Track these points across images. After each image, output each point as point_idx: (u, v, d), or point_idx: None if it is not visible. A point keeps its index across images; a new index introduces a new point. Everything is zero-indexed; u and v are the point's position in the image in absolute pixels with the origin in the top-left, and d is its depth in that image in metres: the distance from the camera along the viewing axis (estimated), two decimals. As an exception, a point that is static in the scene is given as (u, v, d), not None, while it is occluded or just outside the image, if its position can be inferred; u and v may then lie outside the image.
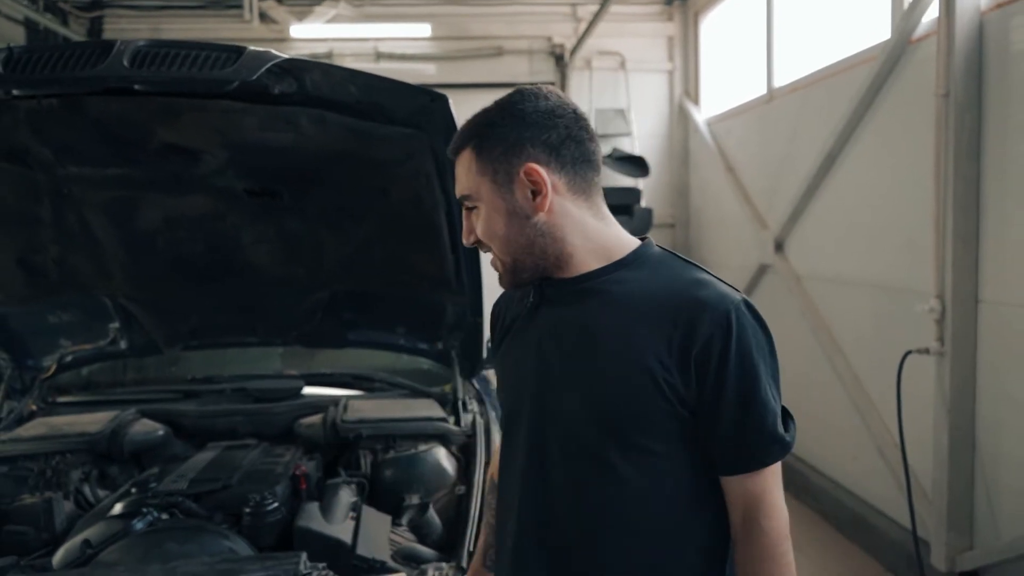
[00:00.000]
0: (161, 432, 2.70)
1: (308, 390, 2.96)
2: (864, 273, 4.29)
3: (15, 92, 1.79)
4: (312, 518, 2.12)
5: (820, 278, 4.85)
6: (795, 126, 5.11)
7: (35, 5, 6.02)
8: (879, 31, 4.16)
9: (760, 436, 1.21)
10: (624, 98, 7.32)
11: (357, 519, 2.15)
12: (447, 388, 2.87)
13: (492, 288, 1.57)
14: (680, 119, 7.41)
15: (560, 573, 1.28)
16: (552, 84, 1.34)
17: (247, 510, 2.11)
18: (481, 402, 2.79)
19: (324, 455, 2.63)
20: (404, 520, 2.30)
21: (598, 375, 1.23)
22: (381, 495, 2.40)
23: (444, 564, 1.97)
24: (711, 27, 7.07)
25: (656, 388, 1.20)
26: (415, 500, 2.36)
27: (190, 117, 1.97)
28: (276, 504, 2.15)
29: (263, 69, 1.80)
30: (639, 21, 7.34)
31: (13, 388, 2.80)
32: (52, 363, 2.83)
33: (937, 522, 3.52)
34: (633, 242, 1.32)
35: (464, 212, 1.32)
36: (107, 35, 6.85)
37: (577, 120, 1.27)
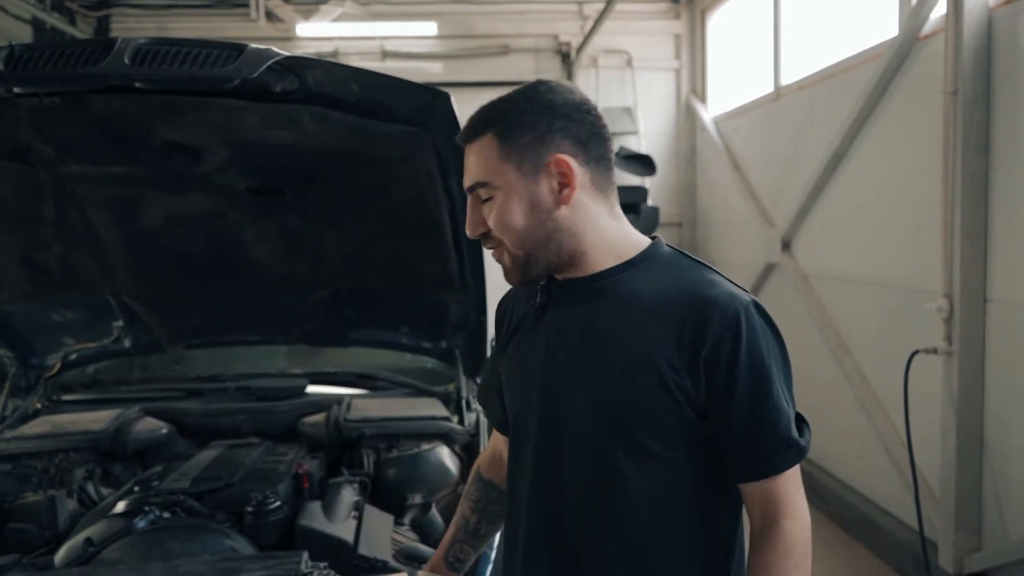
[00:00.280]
0: (164, 430, 2.70)
1: (311, 389, 2.95)
2: (871, 272, 4.26)
3: (16, 90, 1.79)
4: (314, 517, 2.11)
5: (827, 277, 4.83)
6: (802, 124, 5.09)
7: (42, 4, 6.04)
8: (886, 28, 4.13)
9: (773, 441, 1.19)
10: (631, 96, 7.30)
11: (359, 518, 2.15)
12: (451, 387, 2.86)
13: (495, 286, 1.56)
14: (687, 117, 7.38)
15: (566, 572, 1.27)
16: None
17: (249, 509, 2.11)
18: None
19: (327, 454, 2.62)
20: (406, 520, 2.30)
21: (606, 375, 1.22)
22: (384, 494, 2.39)
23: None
24: (718, 25, 7.05)
25: (664, 389, 1.19)
26: (418, 499, 2.35)
27: (192, 115, 1.96)
28: (278, 503, 2.14)
29: (264, 67, 1.79)
30: (646, 19, 7.32)
31: (17, 386, 2.80)
32: (56, 361, 2.84)
33: (945, 523, 3.49)
34: (644, 241, 1.31)
35: (471, 202, 1.26)
36: (114, 34, 6.88)
37: (599, 117, 1.27)
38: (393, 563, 1.99)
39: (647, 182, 7.15)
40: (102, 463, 2.57)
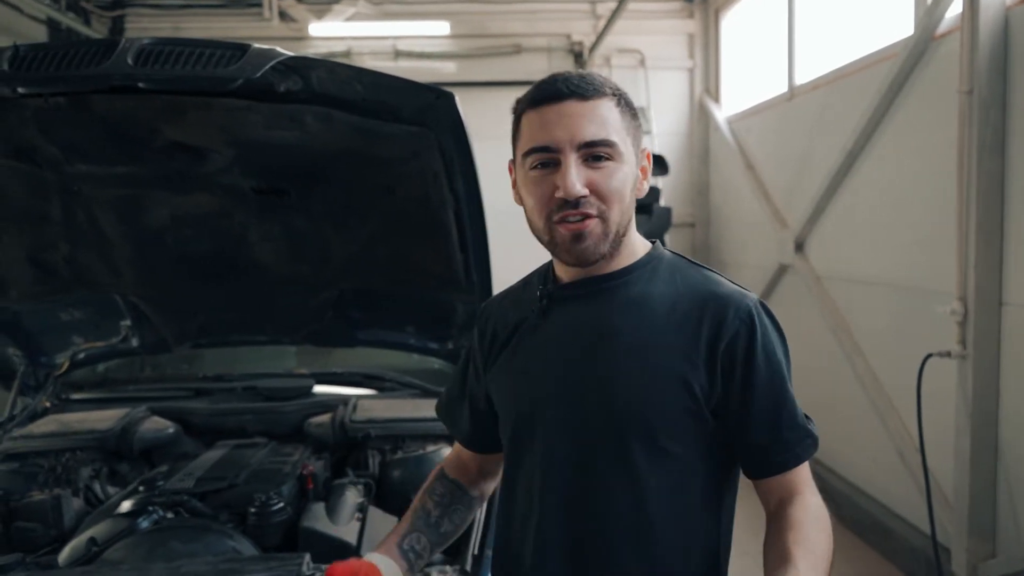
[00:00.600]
0: (171, 430, 2.70)
1: (319, 389, 2.95)
2: (885, 273, 4.21)
3: (20, 90, 1.79)
4: (317, 518, 2.11)
5: (840, 278, 4.78)
6: (816, 124, 5.04)
7: (57, 4, 6.08)
8: (902, 27, 4.08)
9: (794, 433, 1.22)
10: (644, 96, 7.27)
11: (363, 520, 2.14)
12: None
13: (502, 287, 1.53)
14: (700, 117, 7.34)
15: (581, 573, 1.26)
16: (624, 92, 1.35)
17: (252, 510, 2.11)
18: None
19: (333, 455, 2.62)
20: (411, 521, 2.28)
21: (623, 375, 1.22)
22: (388, 496, 2.38)
23: (448, 568, 1.95)
24: (732, 24, 7.00)
25: (684, 388, 1.20)
26: (422, 501, 2.34)
27: (195, 115, 1.96)
28: (282, 504, 2.14)
29: (267, 67, 1.79)
30: (659, 18, 7.28)
31: (27, 384, 2.81)
32: (65, 360, 2.85)
33: (958, 528, 3.45)
34: (647, 244, 1.33)
35: (575, 159, 1.17)
36: (129, 34, 6.92)
37: None
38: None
39: (660, 182, 7.11)
40: (109, 462, 2.58)
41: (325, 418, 2.71)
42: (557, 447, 1.26)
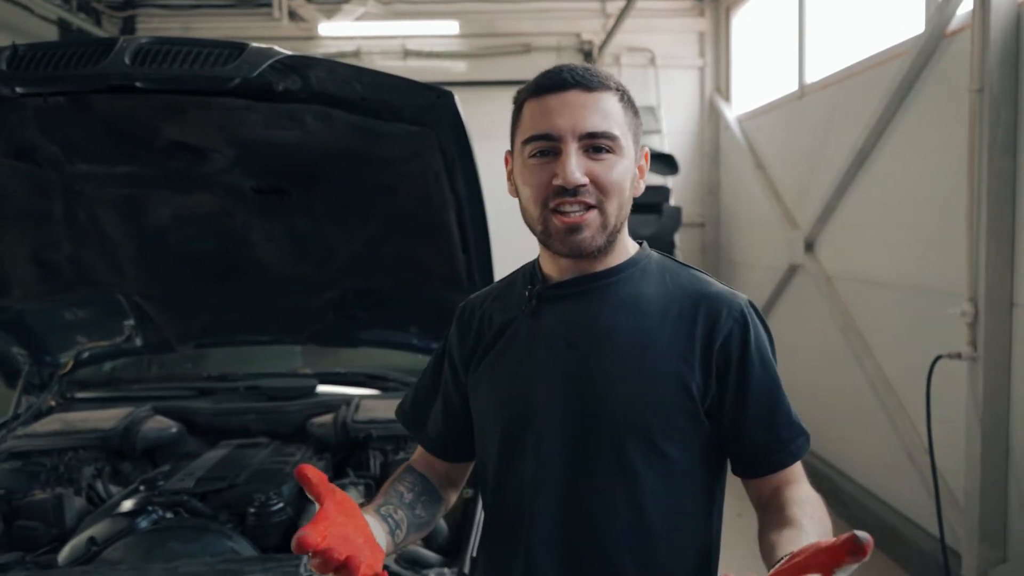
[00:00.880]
0: (174, 429, 2.71)
1: (322, 388, 2.94)
2: (896, 274, 4.17)
3: (19, 90, 1.79)
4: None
5: (851, 279, 4.74)
6: (826, 123, 5.00)
7: (68, 5, 6.11)
8: (912, 25, 4.04)
9: (790, 431, 1.22)
10: (654, 95, 7.24)
11: (362, 521, 2.13)
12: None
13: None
14: (711, 116, 7.30)
15: (576, 574, 1.24)
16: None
17: (251, 510, 2.10)
18: None
19: (335, 455, 2.62)
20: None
21: (620, 376, 1.21)
22: (389, 497, 2.37)
23: (447, 570, 1.94)
24: (742, 22, 6.96)
25: (682, 390, 1.19)
26: (422, 503, 2.33)
27: (195, 115, 1.95)
28: (281, 504, 2.13)
29: (264, 66, 1.78)
30: (669, 17, 7.25)
31: (31, 383, 2.83)
32: (69, 359, 2.86)
33: (968, 533, 3.40)
34: (636, 244, 1.32)
35: (576, 149, 1.16)
36: (140, 34, 6.95)
37: None
38: (394, 567, 1.96)
39: (669, 181, 7.07)
40: (111, 461, 2.58)
41: (327, 418, 2.70)
42: (550, 449, 1.24)
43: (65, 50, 1.77)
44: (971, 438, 3.36)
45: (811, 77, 5.40)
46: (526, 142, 1.19)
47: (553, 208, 1.17)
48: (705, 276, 1.29)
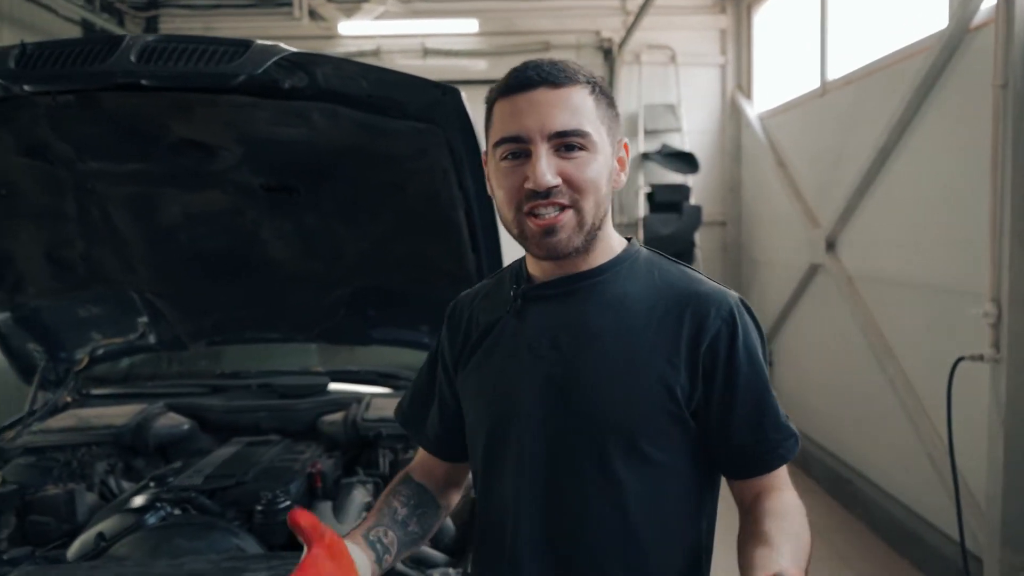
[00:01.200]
0: (186, 426, 2.72)
1: (334, 386, 2.94)
2: (918, 274, 4.10)
3: (27, 88, 1.81)
4: (323, 517, 2.10)
5: (872, 279, 4.66)
6: (848, 120, 4.93)
7: (91, 5, 6.18)
8: (936, 20, 3.96)
9: (779, 433, 1.20)
10: (674, 93, 7.19)
11: (369, 520, 2.12)
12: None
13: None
14: (732, 114, 7.24)
15: None
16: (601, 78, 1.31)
17: (259, 507, 2.10)
18: None
19: (345, 453, 2.61)
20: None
21: (604, 378, 1.18)
22: (397, 495, 2.37)
23: (451, 570, 1.93)
24: (764, 19, 6.89)
25: (666, 393, 1.16)
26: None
27: (202, 112, 1.96)
28: (288, 502, 2.13)
29: (269, 63, 1.78)
30: (690, 14, 7.19)
31: (47, 380, 2.85)
32: (84, 356, 2.88)
33: (990, 537, 3.33)
34: (623, 241, 1.29)
35: (546, 149, 1.13)
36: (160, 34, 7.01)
37: None
38: (400, 567, 1.95)
39: (690, 180, 7.03)
40: (124, 457, 2.60)
41: (338, 416, 2.70)
42: (534, 450, 1.22)
43: (72, 48, 1.78)
44: (993, 441, 3.29)
45: (833, 74, 5.33)
46: (497, 144, 1.18)
47: (527, 211, 1.15)
48: (696, 273, 1.26)
